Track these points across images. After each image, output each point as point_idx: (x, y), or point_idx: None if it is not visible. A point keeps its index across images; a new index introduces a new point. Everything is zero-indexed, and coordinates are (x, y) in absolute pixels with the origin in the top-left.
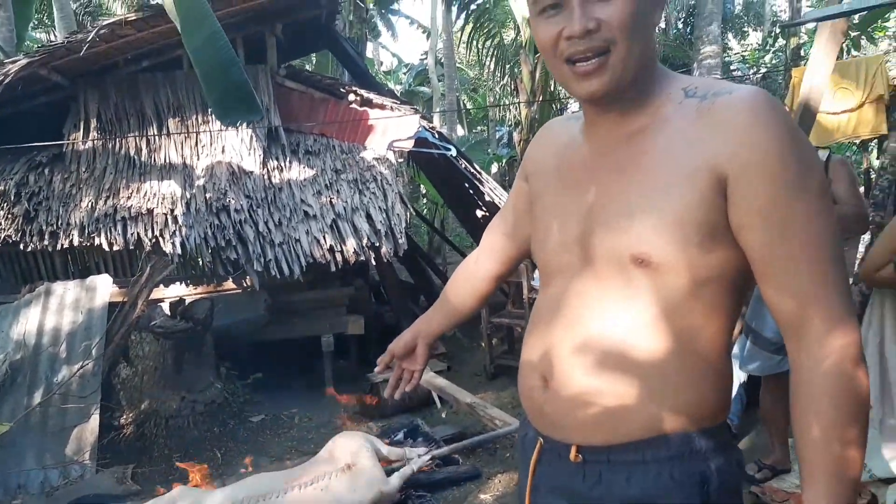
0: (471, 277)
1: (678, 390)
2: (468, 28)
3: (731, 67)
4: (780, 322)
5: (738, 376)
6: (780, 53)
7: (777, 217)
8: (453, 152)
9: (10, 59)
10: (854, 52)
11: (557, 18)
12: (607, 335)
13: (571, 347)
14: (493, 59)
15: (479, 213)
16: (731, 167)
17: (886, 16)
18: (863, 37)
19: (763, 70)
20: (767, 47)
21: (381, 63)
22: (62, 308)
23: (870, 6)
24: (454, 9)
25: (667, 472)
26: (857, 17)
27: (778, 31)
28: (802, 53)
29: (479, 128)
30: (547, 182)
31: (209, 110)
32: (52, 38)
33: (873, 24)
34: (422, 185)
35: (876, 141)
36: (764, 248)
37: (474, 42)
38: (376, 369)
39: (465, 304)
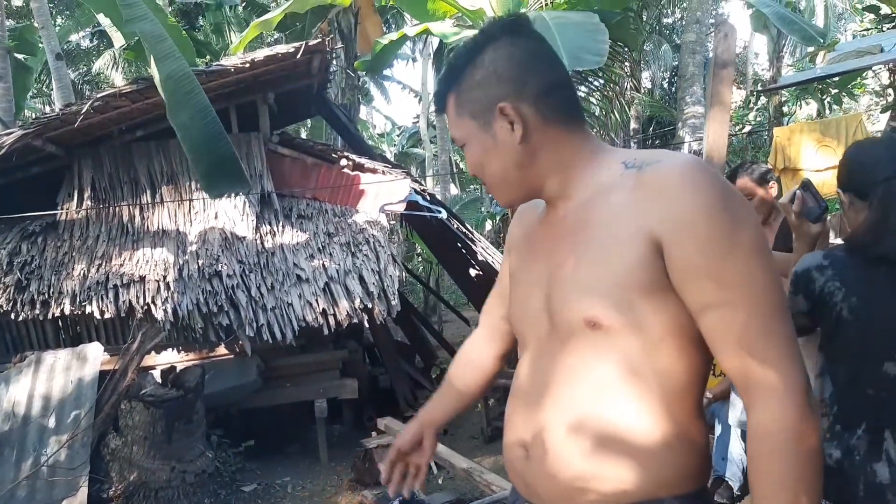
0: (474, 360)
1: (647, 455)
2: None
3: None
4: (731, 379)
5: (738, 435)
6: (764, 111)
7: (709, 275)
8: (444, 215)
9: (5, 132)
10: (836, 107)
11: None
12: (573, 401)
13: (543, 416)
14: None
15: (473, 273)
16: (664, 230)
17: (864, 74)
18: (844, 94)
19: (748, 128)
20: (750, 105)
21: (375, 126)
22: (52, 377)
23: (840, 72)
24: None
25: None
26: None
27: (759, 91)
28: (785, 111)
29: (472, 186)
30: (519, 256)
31: None
32: (51, 107)
33: (853, 83)
34: (416, 244)
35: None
36: (700, 308)
37: None
38: (382, 477)
39: (471, 389)
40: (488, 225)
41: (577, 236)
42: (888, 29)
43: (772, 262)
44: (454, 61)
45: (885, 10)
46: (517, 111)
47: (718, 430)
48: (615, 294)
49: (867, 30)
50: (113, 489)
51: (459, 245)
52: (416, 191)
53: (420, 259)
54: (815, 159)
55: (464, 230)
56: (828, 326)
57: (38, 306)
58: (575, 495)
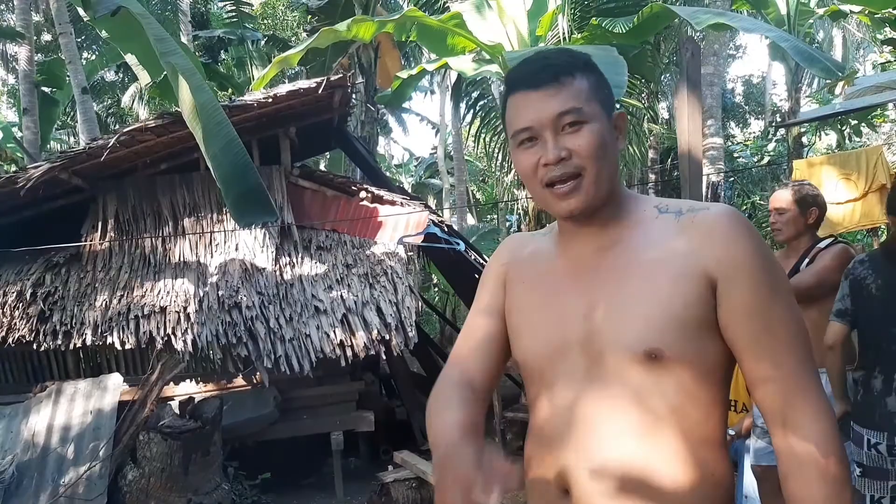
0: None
1: (691, 491)
2: (476, 123)
3: (735, 155)
4: (764, 411)
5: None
6: (783, 142)
7: (761, 316)
8: (462, 247)
9: (33, 164)
10: (856, 138)
11: (535, 149)
12: (621, 436)
13: (590, 459)
14: (501, 152)
15: None
16: (720, 271)
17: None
18: (863, 124)
19: (766, 158)
20: (769, 136)
21: (393, 157)
22: (72, 408)
23: (857, 108)
24: (462, 106)
25: None
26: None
27: (777, 121)
28: (804, 141)
29: (489, 216)
30: (524, 291)
31: (224, 209)
32: (76, 138)
33: (873, 114)
34: (433, 274)
35: (884, 227)
36: (751, 343)
37: (482, 137)
38: None
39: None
40: None
41: (626, 271)
42: None
43: (799, 309)
44: (576, 51)
45: None
46: (626, 124)
47: (741, 466)
48: (675, 327)
49: (888, 62)
50: None
51: (476, 276)
52: (434, 222)
53: (437, 289)
54: (836, 192)
55: (481, 261)
56: (860, 300)
57: (59, 337)
58: None
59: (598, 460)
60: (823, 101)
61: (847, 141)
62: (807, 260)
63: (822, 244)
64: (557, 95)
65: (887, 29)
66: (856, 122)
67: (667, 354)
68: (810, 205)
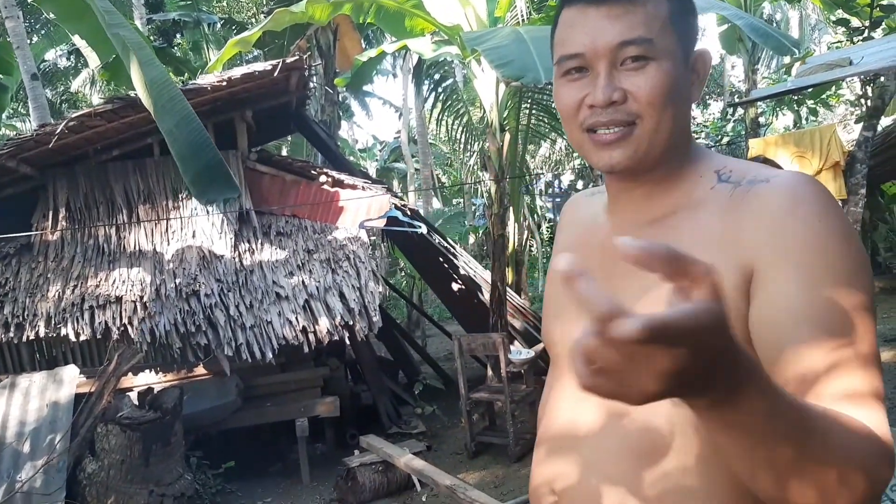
0: None
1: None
2: (438, 107)
3: (694, 135)
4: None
5: None
6: (741, 122)
7: (810, 309)
8: (423, 230)
9: None
10: (812, 118)
11: (582, 83)
12: (592, 452)
13: (569, 458)
14: (464, 135)
15: (456, 287)
16: (760, 259)
17: (840, 84)
18: (819, 105)
19: (726, 139)
20: (728, 117)
21: (357, 141)
22: (27, 401)
23: (811, 84)
24: (424, 89)
25: None
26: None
27: (734, 103)
28: (762, 121)
29: (455, 200)
30: None
31: (180, 195)
32: (29, 125)
33: (828, 93)
34: (399, 259)
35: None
36: (791, 342)
37: (444, 120)
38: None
39: None
40: (471, 238)
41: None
42: (859, 41)
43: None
44: None
45: (855, 23)
46: (708, 66)
47: None
48: None
49: (840, 41)
50: None
51: (441, 260)
52: (396, 206)
53: (403, 274)
54: (792, 169)
55: (445, 245)
56: None
57: (12, 329)
58: None
59: (564, 476)
60: (780, 82)
61: (804, 121)
62: None
63: None
64: (624, 17)
65: (840, 10)
66: (813, 102)
67: None
68: None
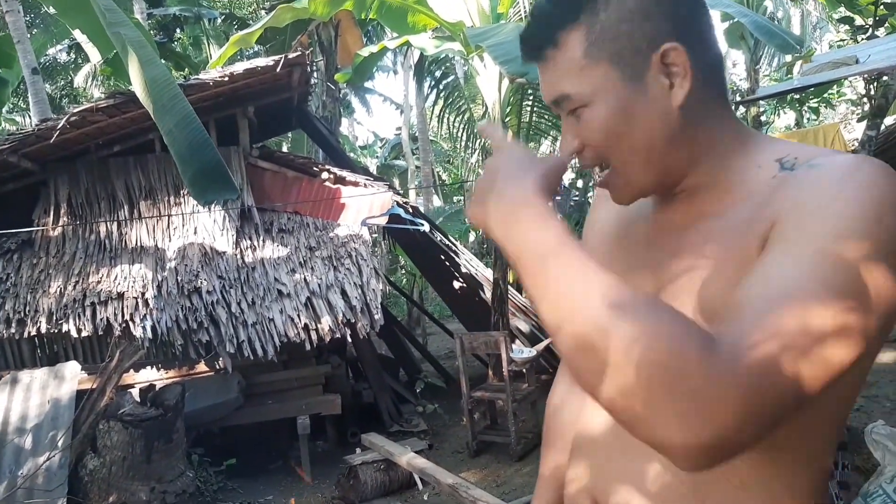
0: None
1: None
2: (440, 103)
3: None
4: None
5: None
6: (743, 121)
7: (799, 250)
8: (426, 228)
9: None
10: (814, 118)
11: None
12: (601, 451)
13: (580, 459)
14: (465, 132)
15: (457, 285)
16: (779, 216)
17: (842, 82)
18: (822, 104)
19: None
20: None
21: (357, 138)
22: (28, 397)
23: (817, 83)
24: (426, 85)
25: None
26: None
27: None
28: (763, 120)
29: (455, 198)
30: (605, 252)
31: (182, 192)
32: (29, 119)
33: (830, 92)
34: (400, 257)
35: None
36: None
37: (446, 117)
38: None
39: None
40: (472, 236)
41: (703, 249)
42: (862, 40)
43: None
44: None
45: (858, 21)
46: (685, 59)
47: None
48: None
49: (843, 40)
50: None
51: (443, 257)
52: (398, 203)
53: (404, 272)
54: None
55: (447, 242)
56: None
57: (13, 325)
58: None
59: (578, 479)
60: (782, 80)
61: (805, 121)
62: None
63: None
64: (548, 74)
65: (842, 8)
66: (815, 101)
67: None
68: None
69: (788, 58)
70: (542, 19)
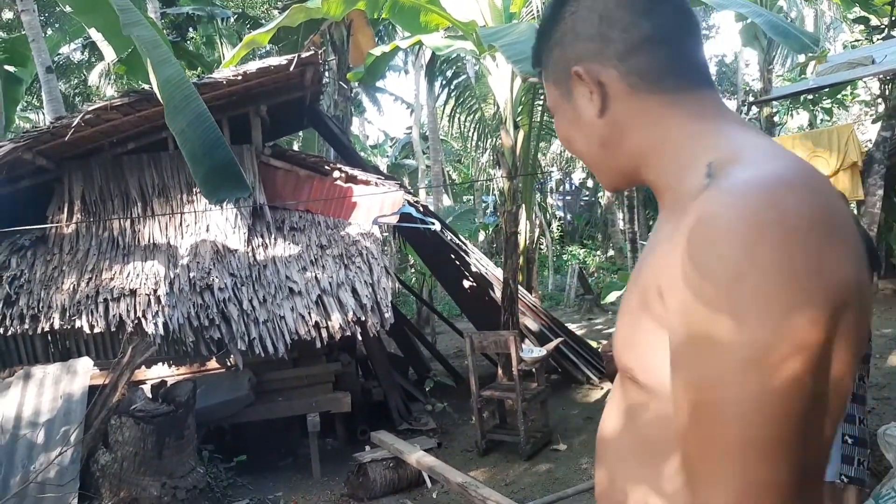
0: None
1: None
2: (451, 103)
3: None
4: None
5: None
6: (755, 121)
7: (678, 367)
8: (437, 227)
9: None
10: (827, 119)
11: None
12: (613, 458)
13: (599, 463)
14: (476, 132)
15: (467, 284)
16: (664, 283)
17: (855, 84)
18: (835, 104)
19: None
20: (741, 115)
21: (368, 137)
22: (41, 392)
23: (833, 83)
24: (437, 85)
25: None
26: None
27: (751, 101)
28: (776, 120)
29: (465, 197)
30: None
31: (194, 189)
32: (41, 118)
33: (844, 93)
34: (409, 255)
35: (854, 205)
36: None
37: (457, 116)
38: None
39: None
40: (481, 236)
41: (644, 261)
42: (878, 40)
43: (791, 387)
44: (545, 12)
45: (874, 21)
46: (592, 76)
47: None
48: (640, 349)
49: (857, 41)
50: None
51: (453, 256)
52: (409, 202)
53: (413, 270)
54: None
55: (457, 241)
56: None
57: (27, 321)
58: None
59: (599, 483)
60: (795, 81)
61: (818, 122)
62: None
63: None
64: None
65: (857, 8)
66: (829, 102)
67: (640, 379)
68: None
69: (802, 58)
70: (533, 46)
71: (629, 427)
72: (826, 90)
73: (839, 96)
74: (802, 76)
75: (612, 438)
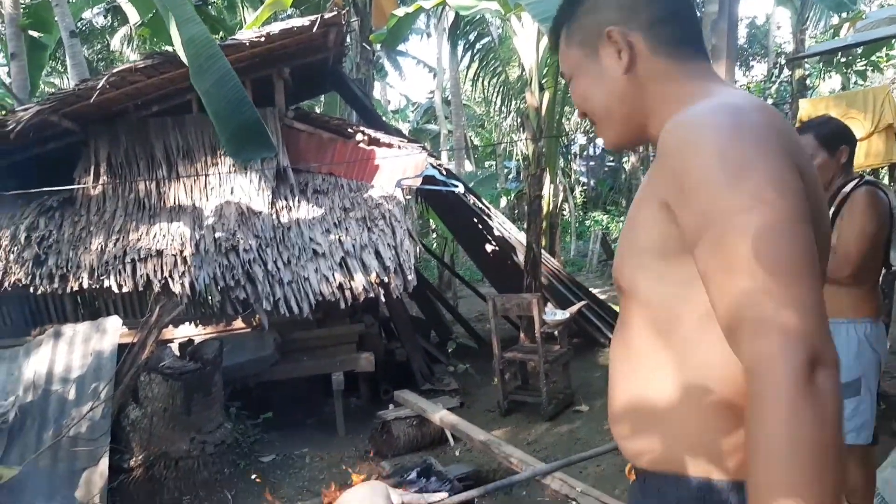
0: None
1: (688, 430)
2: (474, 66)
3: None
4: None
5: None
6: (786, 84)
7: (705, 227)
8: (461, 189)
9: (22, 107)
10: (860, 82)
11: None
12: (619, 368)
13: (611, 376)
14: (500, 96)
15: (489, 248)
16: (668, 194)
17: (892, 44)
18: (869, 67)
19: (770, 101)
20: (773, 79)
21: (389, 102)
22: (72, 350)
23: (871, 40)
24: (459, 48)
25: None
26: (861, 48)
27: (783, 63)
28: (808, 83)
29: (487, 163)
30: None
31: (219, 152)
32: (66, 83)
33: (878, 55)
34: (431, 220)
35: (887, 168)
36: (700, 262)
37: (480, 80)
38: None
39: None
40: (503, 201)
41: (638, 194)
42: None
43: (776, 205)
44: None
45: None
46: (625, 37)
47: None
48: (633, 261)
49: None
50: (133, 459)
51: (475, 220)
52: (432, 165)
53: (435, 235)
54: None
55: (480, 205)
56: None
57: (56, 280)
58: (630, 452)
59: (613, 401)
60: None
61: (851, 84)
62: (832, 208)
63: (847, 187)
64: (560, 58)
65: None
66: (862, 64)
67: (627, 289)
68: (840, 142)
69: (836, 20)
70: (554, 20)
71: (621, 333)
72: (860, 51)
73: (874, 58)
74: (836, 38)
75: (612, 349)
